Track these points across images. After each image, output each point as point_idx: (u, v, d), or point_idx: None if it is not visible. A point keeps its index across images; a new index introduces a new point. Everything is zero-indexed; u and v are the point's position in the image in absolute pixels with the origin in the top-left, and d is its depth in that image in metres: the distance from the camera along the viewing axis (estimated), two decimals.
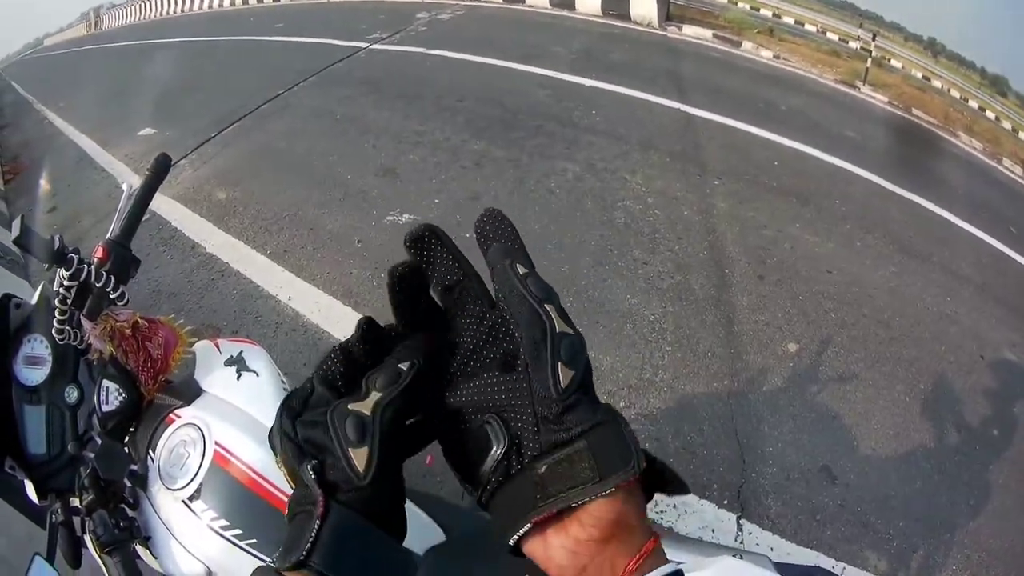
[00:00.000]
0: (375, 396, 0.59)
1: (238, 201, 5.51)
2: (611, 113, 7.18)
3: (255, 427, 1.33)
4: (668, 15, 12.32)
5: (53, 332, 1.37)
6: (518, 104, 7.36)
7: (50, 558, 1.26)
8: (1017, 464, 3.77)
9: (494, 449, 0.57)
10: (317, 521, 0.54)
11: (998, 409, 4.16)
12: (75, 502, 1.33)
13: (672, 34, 11.73)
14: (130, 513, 1.32)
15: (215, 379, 1.45)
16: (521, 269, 0.61)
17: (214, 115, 7.76)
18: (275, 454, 0.59)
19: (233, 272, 4.61)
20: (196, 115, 7.98)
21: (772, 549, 2.95)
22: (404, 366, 0.61)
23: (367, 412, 0.58)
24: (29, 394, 1.41)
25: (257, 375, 1.44)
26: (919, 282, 5.26)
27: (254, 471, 1.26)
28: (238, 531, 1.22)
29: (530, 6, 12.69)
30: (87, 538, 1.29)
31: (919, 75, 16.94)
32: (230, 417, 1.35)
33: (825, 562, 2.93)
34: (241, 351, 1.49)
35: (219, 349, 1.52)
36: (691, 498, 3.09)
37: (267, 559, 1.05)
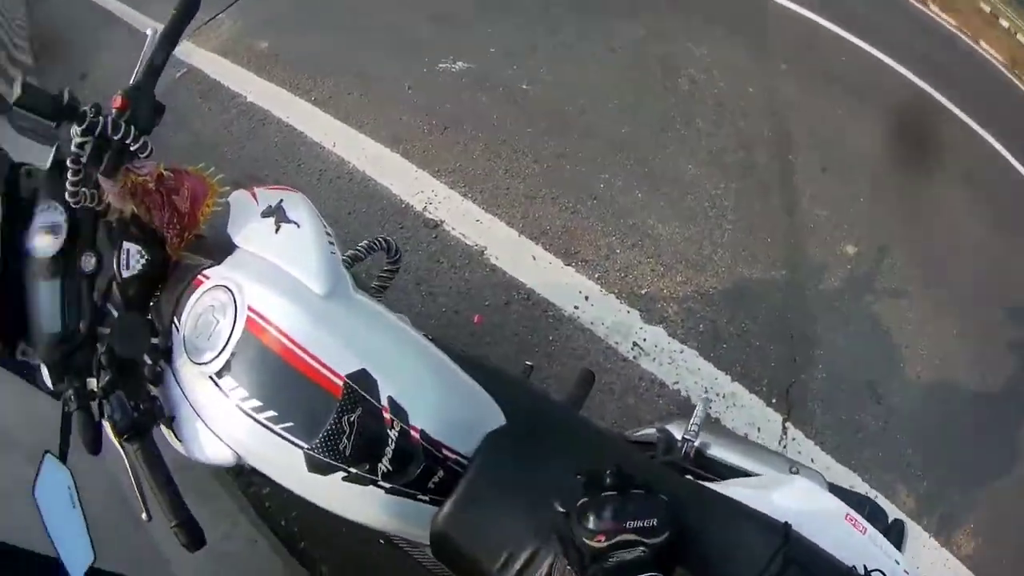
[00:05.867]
0: None
1: (281, 50, 4.98)
2: None
3: (294, 287, 1.10)
4: None
5: (67, 195, 1.18)
6: None
7: (62, 453, 1.13)
8: None
9: None
10: None
11: None
12: (93, 384, 1.16)
13: None
14: (152, 392, 1.15)
15: (250, 232, 1.22)
16: None
17: None
18: None
19: (275, 119, 4.17)
20: None
21: (812, 460, 2.78)
22: None
23: None
24: (43, 267, 1.22)
25: (298, 226, 1.19)
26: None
27: (291, 340, 1.03)
28: (272, 413, 1.02)
29: None
30: (106, 423, 1.12)
31: (987, 9, 15.56)
32: (265, 277, 1.12)
33: (860, 486, 2.76)
34: (280, 200, 1.25)
35: (256, 199, 1.28)
36: (741, 390, 2.91)
37: (304, 445, 1.00)
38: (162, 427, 1.14)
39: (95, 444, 1.10)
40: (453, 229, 3.30)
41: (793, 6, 6.28)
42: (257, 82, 4.58)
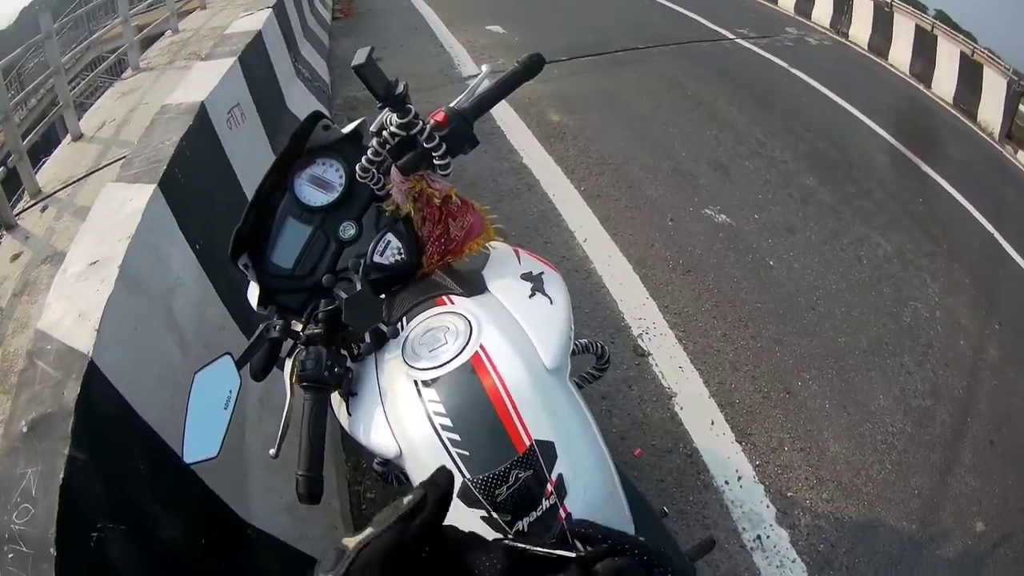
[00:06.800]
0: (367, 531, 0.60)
1: (569, 129, 5.26)
2: (935, 208, 6.41)
3: (528, 351, 1.11)
4: (1009, 133, 10.77)
5: (358, 167, 1.27)
6: (856, 159, 6.69)
7: (241, 362, 1.17)
8: None
9: None
10: None
11: None
12: (295, 326, 1.23)
13: (1007, 154, 10.20)
14: (349, 363, 1.18)
15: (505, 286, 1.25)
16: None
17: (567, 41, 7.54)
18: None
19: (540, 191, 4.42)
20: (549, 35, 7.81)
21: None
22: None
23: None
24: (300, 210, 1.33)
25: (551, 303, 1.22)
26: None
27: (505, 388, 1.05)
28: (455, 436, 1.04)
29: (890, 64, 11.48)
30: (288, 363, 1.21)
31: None
32: (506, 328, 1.14)
33: None
34: (542, 272, 1.28)
35: (519, 259, 1.32)
36: None
37: (467, 475, 1.01)
38: (336, 395, 1.19)
39: (264, 374, 1.19)
40: (656, 365, 3.46)
41: None
42: (537, 149, 4.84)
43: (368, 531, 0.60)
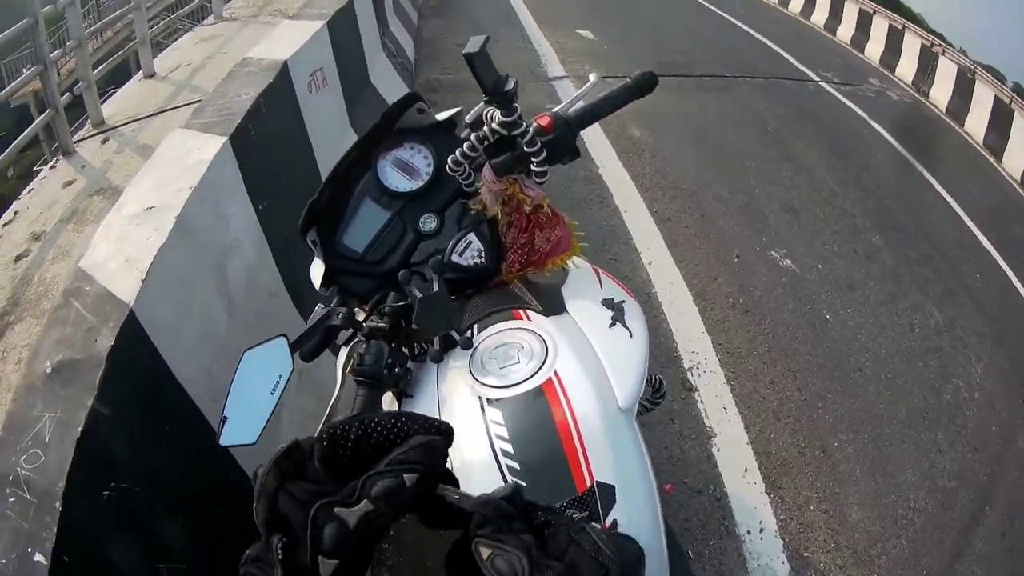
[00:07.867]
0: (364, 506, 0.57)
1: (648, 147, 5.15)
2: (991, 286, 6.18)
3: (603, 385, 1.00)
4: None
5: (450, 159, 1.18)
6: (922, 224, 6.48)
7: (296, 345, 1.08)
8: None
9: None
10: None
11: None
12: (358, 315, 1.15)
13: None
14: (409, 364, 1.09)
15: (585, 309, 1.14)
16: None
17: (656, 58, 7.42)
18: (254, 500, 0.60)
19: (613, 205, 4.33)
20: (639, 49, 7.67)
21: None
22: (409, 477, 0.58)
23: (351, 521, 0.57)
24: (380, 193, 1.25)
25: (631, 336, 1.10)
26: None
27: (575, 423, 0.94)
28: (515, 465, 0.92)
29: (965, 131, 11.06)
30: (343, 351, 1.14)
31: None
32: (584, 356, 1.03)
33: None
34: (624, 301, 1.16)
35: (600, 282, 1.22)
36: None
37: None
38: (389, 393, 1.09)
39: (313, 356, 1.10)
40: (700, 402, 3.36)
41: None
42: (614, 162, 4.74)
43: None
